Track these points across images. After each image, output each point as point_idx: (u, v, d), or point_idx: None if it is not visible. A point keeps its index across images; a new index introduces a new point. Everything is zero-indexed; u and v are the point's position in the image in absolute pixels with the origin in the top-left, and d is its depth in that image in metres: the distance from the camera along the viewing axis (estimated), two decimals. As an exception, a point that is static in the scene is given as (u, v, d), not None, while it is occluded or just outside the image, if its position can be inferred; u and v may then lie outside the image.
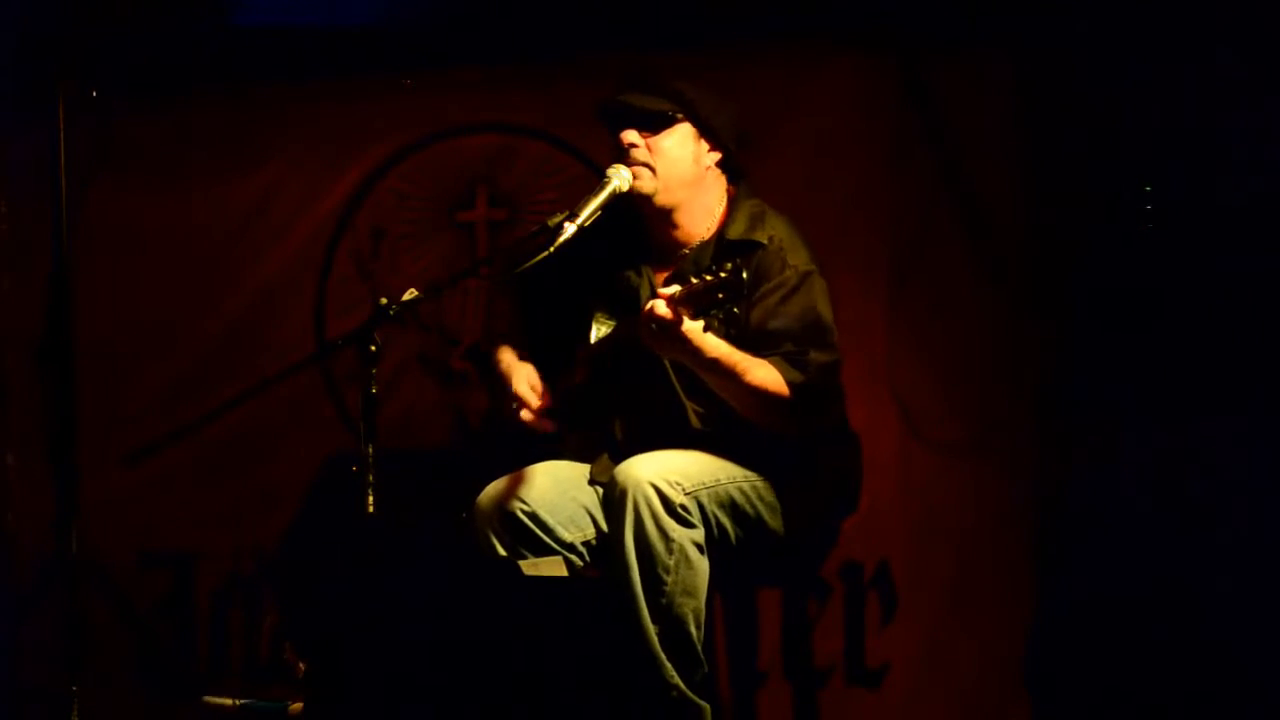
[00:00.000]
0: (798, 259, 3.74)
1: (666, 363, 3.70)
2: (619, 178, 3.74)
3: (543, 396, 3.82)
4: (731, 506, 3.69)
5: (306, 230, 4.92)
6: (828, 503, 3.88)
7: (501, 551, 3.75)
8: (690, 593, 3.60)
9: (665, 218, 3.81)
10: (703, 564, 3.63)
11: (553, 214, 3.71)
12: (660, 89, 3.77)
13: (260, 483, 4.89)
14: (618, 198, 3.74)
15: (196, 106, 4.94)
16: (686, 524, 3.60)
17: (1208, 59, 4.21)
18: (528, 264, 3.69)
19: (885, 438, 4.41)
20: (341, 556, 3.76)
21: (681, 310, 3.46)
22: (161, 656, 4.90)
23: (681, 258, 3.82)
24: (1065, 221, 4.35)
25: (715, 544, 3.66)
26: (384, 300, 3.63)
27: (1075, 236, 4.35)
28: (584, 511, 3.80)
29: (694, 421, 3.75)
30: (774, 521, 3.75)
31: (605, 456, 3.83)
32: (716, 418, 3.72)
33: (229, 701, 4.29)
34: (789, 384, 3.64)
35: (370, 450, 3.56)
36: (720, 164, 3.82)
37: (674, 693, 3.59)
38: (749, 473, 3.73)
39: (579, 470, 3.85)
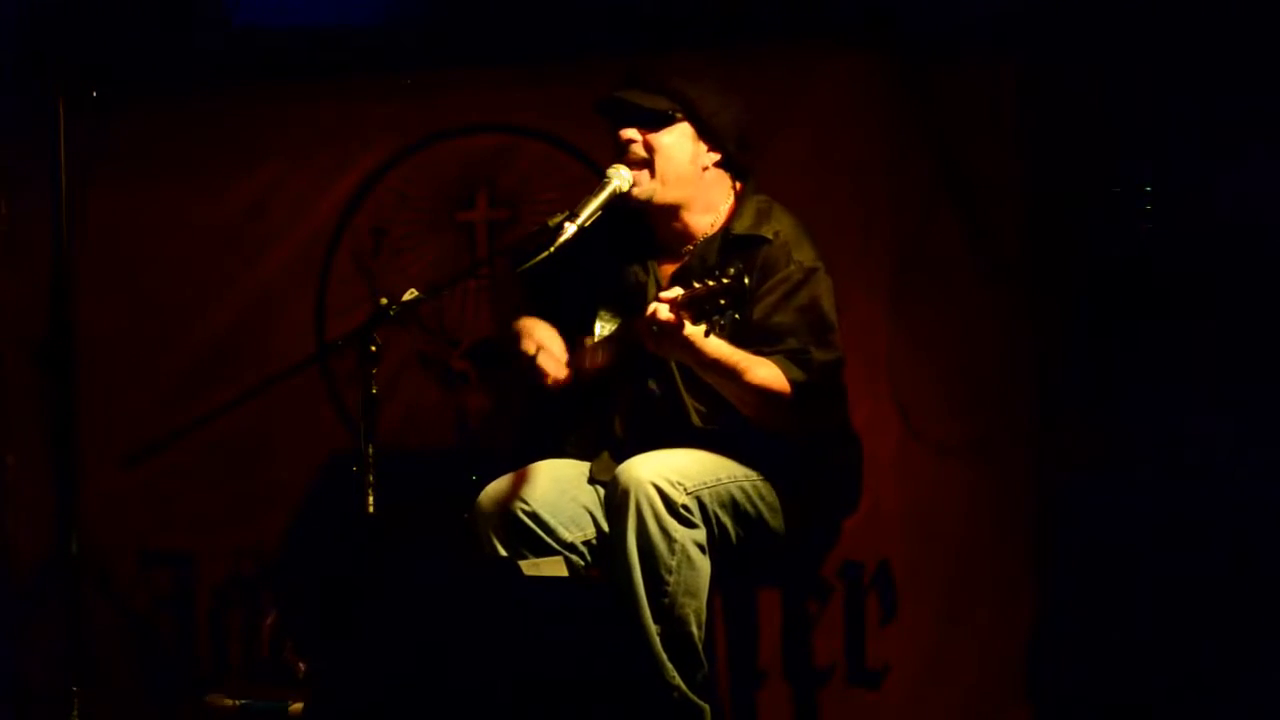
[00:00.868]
0: (803, 255, 3.74)
1: (671, 361, 3.70)
2: (619, 178, 3.74)
3: (562, 349, 3.81)
4: (733, 506, 3.69)
5: (306, 230, 4.92)
6: (828, 503, 3.88)
7: (502, 551, 3.75)
8: (692, 593, 3.60)
9: (668, 215, 3.81)
10: (704, 564, 3.63)
11: (553, 214, 3.72)
12: (661, 87, 3.77)
13: (260, 483, 4.89)
14: (619, 197, 3.74)
15: (196, 106, 4.94)
16: (689, 524, 3.60)
17: (1207, 59, 4.21)
18: (528, 264, 3.69)
19: (885, 438, 4.41)
20: (341, 556, 3.76)
21: (683, 314, 3.46)
22: (161, 656, 4.90)
23: (687, 253, 3.82)
24: (1065, 222, 4.36)
25: (716, 544, 3.66)
26: (384, 300, 3.64)
27: (1075, 237, 4.35)
28: (584, 511, 3.80)
29: (695, 420, 3.75)
30: (775, 521, 3.75)
31: (606, 455, 3.83)
32: (718, 416, 3.72)
33: (229, 701, 4.28)
34: (791, 382, 3.64)
35: (370, 450, 3.56)
36: (722, 163, 3.82)
37: (675, 693, 3.59)
38: (750, 472, 3.73)
39: (579, 469, 3.85)
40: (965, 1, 4.42)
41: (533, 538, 3.74)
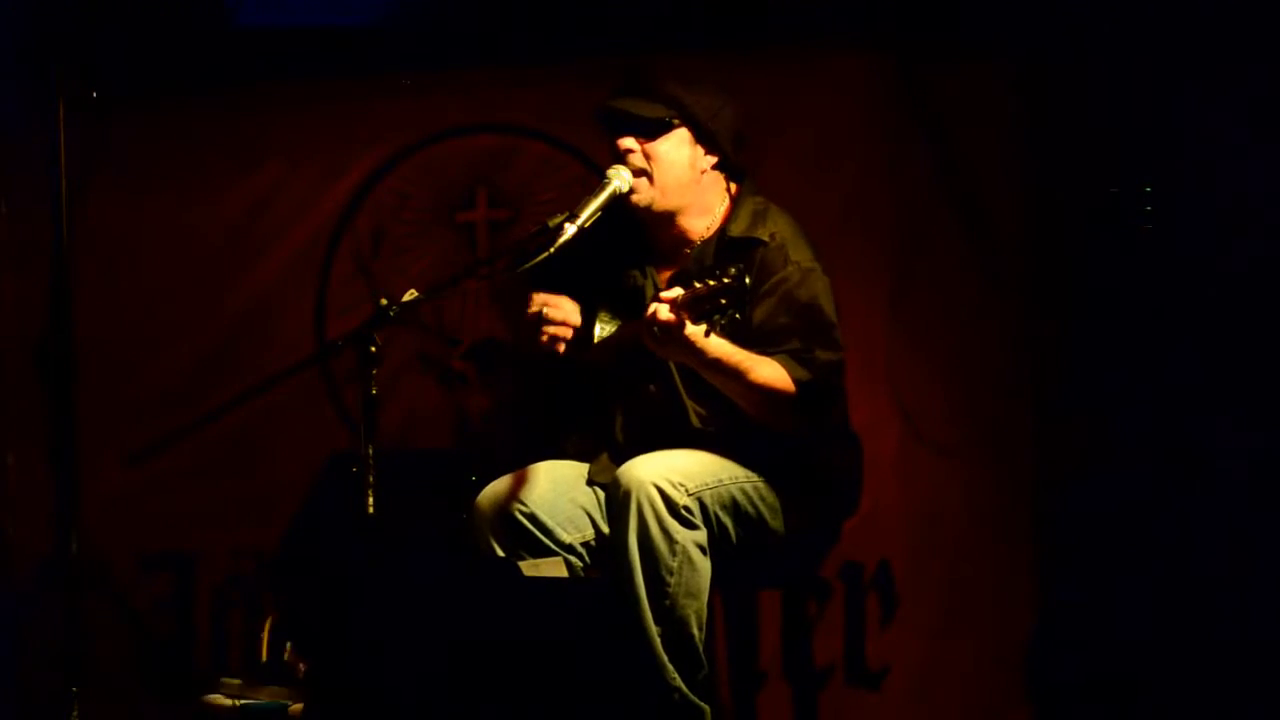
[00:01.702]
0: (800, 255, 3.73)
1: (670, 363, 3.70)
2: (619, 178, 3.74)
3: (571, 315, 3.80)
4: (734, 507, 3.69)
5: (306, 230, 4.92)
6: (828, 503, 3.87)
7: (500, 552, 3.75)
8: (693, 594, 3.60)
9: (666, 221, 3.80)
10: (705, 565, 3.62)
11: (553, 214, 3.71)
12: (657, 94, 3.75)
13: (260, 483, 4.89)
14: (618, 199, 3.74)
15: (196, 107, 4.93)
16: (690, 525, 3.60)
17: (1207, 59, 4.21)
18: (528, 265, 3.68)
19: (885, 438, 4.41)
20: (341, 556, 3.76)
21: (684, 314, 3.46)
22: (161, 656, 4.90)
23: (684, 256, 3.81)
24: (1065, 222, 4.36)
25: (716, 544, 3.66)
26: (384, 300, 3.63)
27: (1075, 237, 4.35)
28: (583, 512, 3.80)
29: (695, 422, 3.75)
30: (775, 522, 3.75)
31: (605, 456, 3.83)
32: (717, 418, 3.72)
33: (229, 701, 4.28)
34: (795, 382, 3.63)
35: (370, 450, 3.55)
36: (719, 165, 3.82)
37: (676, 695, 3.59)
38: (750, 473, 3.72)
39: (578, 470, 3.85)
40: (966, 2, 4.42)
41: (530, 539, 3.74)
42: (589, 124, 3.93)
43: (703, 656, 3.63)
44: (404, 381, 4.83)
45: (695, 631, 3.61)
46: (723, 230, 3.79)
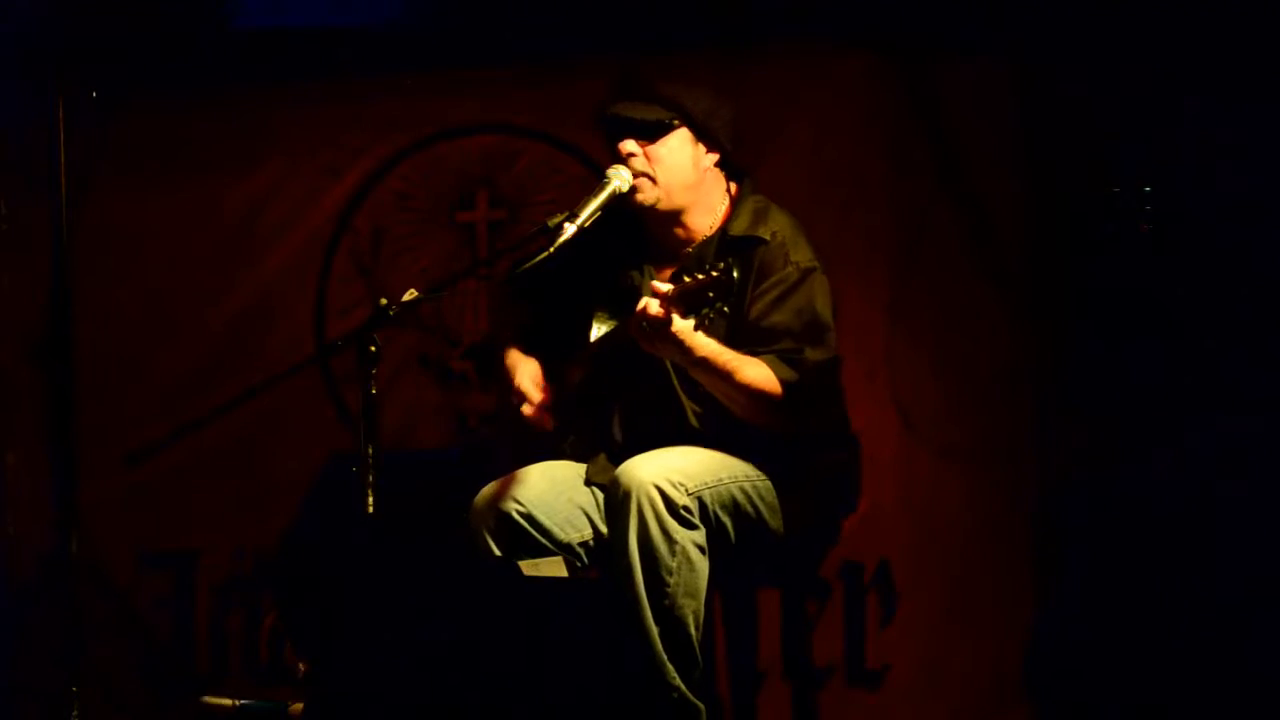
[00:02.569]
0: (800, 255, 3.73)
1: (667, 362, 3.70)
2: (619, 178, 3.74)
3: (545, 392, 3.81)
4: (733, 506, 3.69)
5: (306, 230, 4.92)
6: (828, 503, 3.88)
7: (497, 552, 3.75)
8: (691, 594, 3.60)
9: (668, 220, 3.81)
10: (704, 565, 3.62)
11: (553, 214, 3.71)
12: (655, 96, 3.75)
13: (260, 483, 4.89)
14: (618, 199, 3.74)
15: (196, 106, 4.93)
16: (689, 525, 3.60)
17: (1207, 59, 4.21)
18: (528, 264, 3.69)
19: (885, 438, 4.41)
20: (341, 556, 3.76)
21: (673, 309, 3.46)
22: (161, 656, 4.90)
23: (685, 255, 3.81)
24: (1065, 222, 4.36)
25: (715, 544, 3.66)
26: (384, 300, 3.63)
27: (1075, 237, 4.35)
28: (580, 512, 3.80)
29: (692, 421, 3.75)
30: (774, 521, 3.75)
31: (603, 456, 3.83)
32: (715, 417, 3.72)
33: (229, 701, 4.29)
34: (782, 382, 3.63)
35: (370, 450, 3.55)
36: (719, 163, 3.82)
37: (675, 694, 3.59)
38: (750, 472, 3.72)
39: (576, 470, 3.85)
40: (966, 1, 4.42)
41: (527, 539, 3.73)
42: (589, 124, 3.93)
43: (699, 655, 3.63)
44: (404, 381, 4.83)
45: (693, 631, 3.61)
46: (724, 229, 3.79)
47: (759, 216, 3.78)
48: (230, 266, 4.94)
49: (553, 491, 3.78)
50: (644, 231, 3.85)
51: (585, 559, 3.77)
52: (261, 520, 4.85)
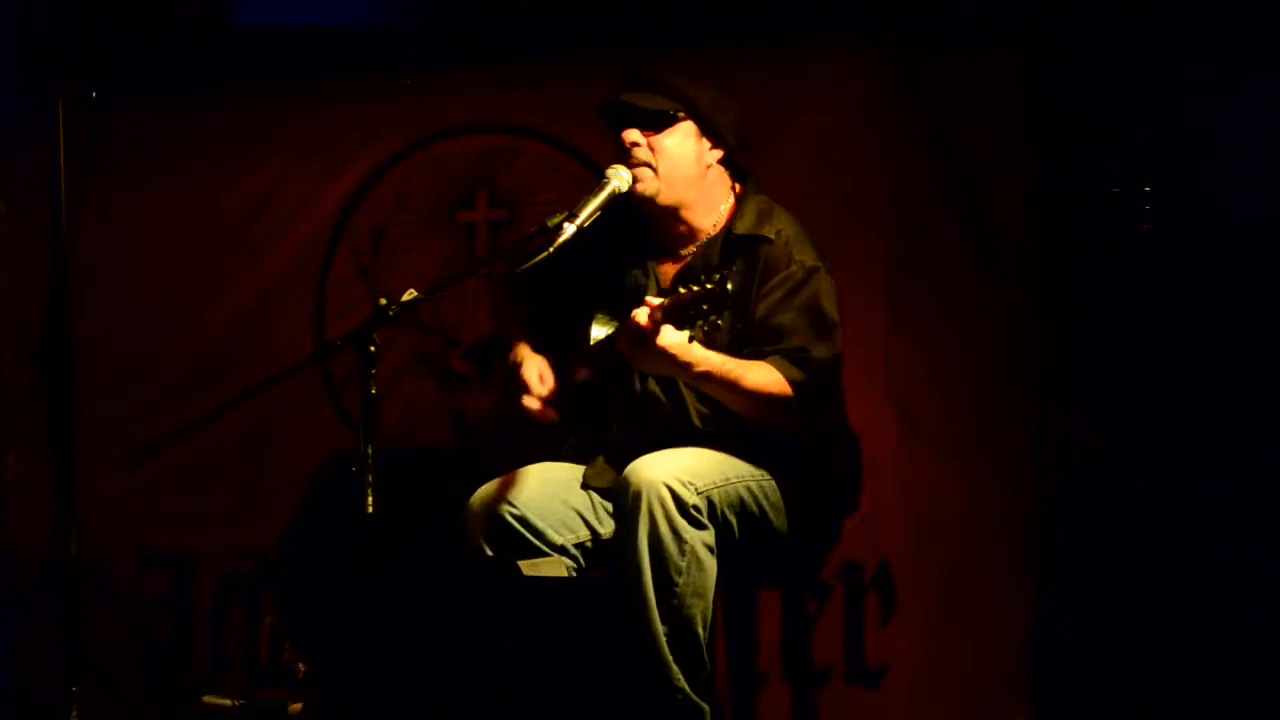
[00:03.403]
0: (804, 255, 3.73)
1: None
2: (618, 178, 3.74)
3: (549, 387, 3.81)
4: (740, 506, 3.69)
5: (306, 230, 4.93)
6: (828, 502, 3.88)
7: (489, 554, 3.74)
8: (700, 594, 3.60)
9: (670, 216, 3.81)
10: (712, 564, 3.62)
11: (553, 214, 3.71)
12: (662, 87, 3.77)
13: (260, 483, 4.89)
14: (619, 197, 3.74)
15: (196, 106, 4.94)
16: (698, 525, 3.59)
17: (1207, 59, 4.21)
18: (527, 265, 3.69)
19: (885, 438, 4.41)
20: (341, 556, 3.76)
21: (664, 322, 3.45)
22: (161, 656, 4.90)
23: (689, 254, 3.82)
24: (1065, 222, 4.35)
25: (721, 543, 3.66)
26: (384, 300, 3.63)
27: (1075, 236, 4.35)
28: (575, 514, 3.79)
29: (696, 421, 3.75)
30: (778, 521, 3.75)
31: (601, 459, 3.82)
32: (719, 417, 3.72)
33: (229, 701, 4.29)
34: (790, 382, 3.63)
35: (370, 450, 3.56)
36: (723, 161, 3.82)
37: (679, 695, 3.59)
38: (756, 471, 3.72)
39: (572, 472, 3.84)
40: (965, 1, 4.42)
41: (520, 541, 3.72)
42: (589, 124, 3.94)
43: (706, 656, 3.63)
44: (404, 381, 4.83)
45: (700, 631, 3.61)
46: (728, 228, 3.79)
47: (764, 216, 3.78)
48: (230, 266, 4.94)
49: (547, 494, 3.77)
50: (647, 228, 3.84)
51: (581, 561, 3.77)
52: (261, 520, 4.85)
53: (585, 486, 3.80)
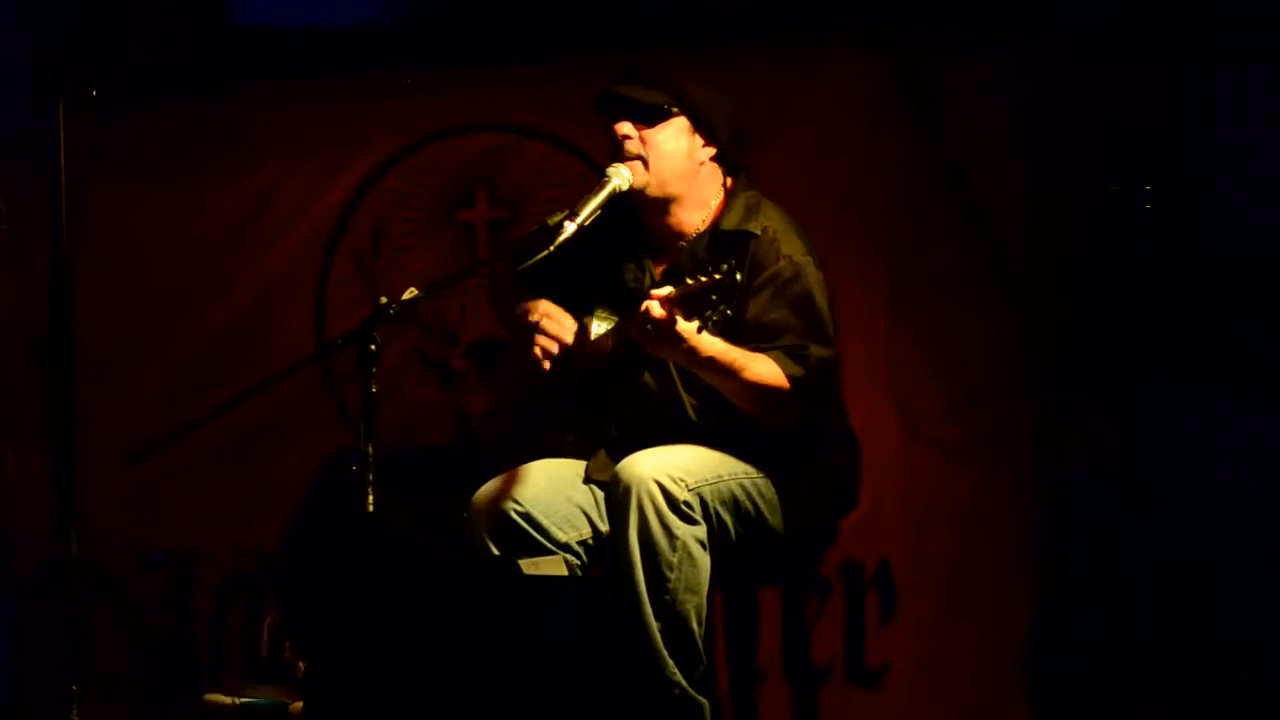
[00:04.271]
0: (791, 249, 3.73)
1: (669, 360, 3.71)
2: (619, 177, 3.75)
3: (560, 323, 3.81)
4: (733, 503, 3.70)
5: (306, 230, 4.92)
6: (827, 501, 3.88)
7: (495, 551, 3.75)
8: (693, 589, 3.60)
9: (660, 210, 3.81)
10: (705, 560, 3.63)
11: (553, 213, 3.72)
12: (657, 82, 3.77)
13: (260, 483, 4.89)
14: (617, 196, 3.74)
15: (196, 106, 4.94)
16: (690, 521, 3.60)
17: (1207, 58, 4.21)
18: (528, 263, 3.69)
19: (885, 437, 4.41)
20: (341, 556, 3.76)
21: (676, 310, 3.46)
22: (161, 656, 4.90)
23: (678, 249, 3.82)
24: (1065, 220, 4.36)
25: (716, 541, 3.66)
26: (384, 300, 3.64)
27: (1075, 235, 4.35)
28: (579, 511, 3.80)
29: (691, 415, 3.75)
30: (774, 519, 3.75)
31: (602, 454, 3.83)
32: (714, 412, 3.72)
33: (229, 701, 4.28)
34: (789, 378, 3.64)
35: (370, 450, 3.56)
36: (716, 158, 3.82)
37: (676, 690, 3.60)
38: (750, 469, 3.73)
39: (575, 469, 3.85)
40: (965, 2, 4.43)
41: (525, 538, 3.73)
42: (589, 123, 3.94)
43: (701, 652, 3.64)
44: (404, 381, 4.83)
45: (695, 627, 3.62)
46: (716, 224, 3.80)
47: (750, 212, 3.79)
48: (230, 266, 4.94)
49: (551, 490, 3.78)
50: (639, 225, 3.85)
51: (584, 558, 3.77)
52: (261, 519, 4.85)
53: (587, 480, 3.81)
